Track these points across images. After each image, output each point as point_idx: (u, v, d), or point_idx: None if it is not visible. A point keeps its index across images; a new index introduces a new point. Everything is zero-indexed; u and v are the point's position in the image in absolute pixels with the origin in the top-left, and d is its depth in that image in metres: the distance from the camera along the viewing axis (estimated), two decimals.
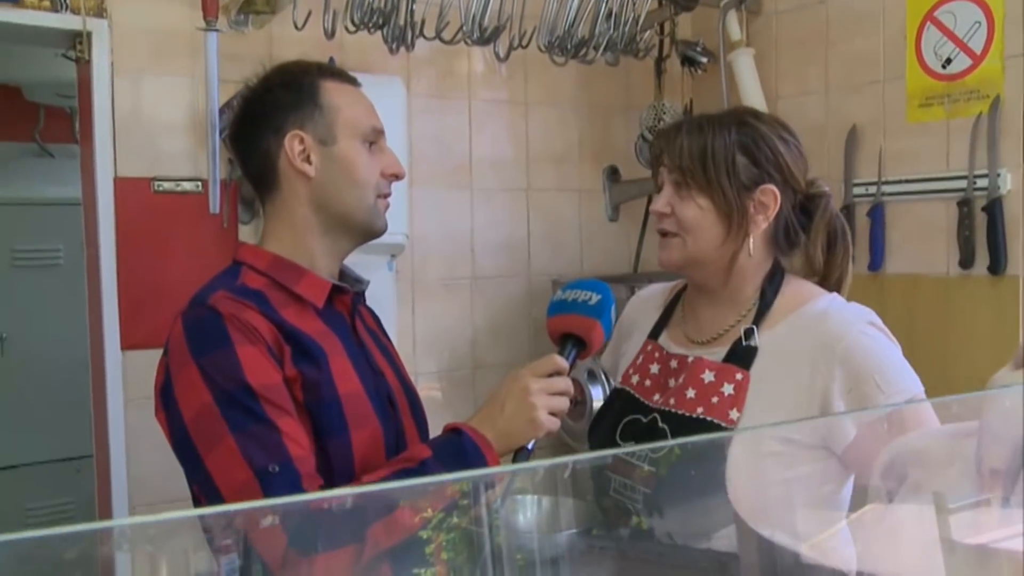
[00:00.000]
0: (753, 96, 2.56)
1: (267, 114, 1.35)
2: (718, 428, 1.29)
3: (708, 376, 1.33)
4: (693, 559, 1.28)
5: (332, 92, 1.36)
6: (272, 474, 1.16)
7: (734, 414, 1.28)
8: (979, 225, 2.16)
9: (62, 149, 3.76)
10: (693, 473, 1.27)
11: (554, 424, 1.23)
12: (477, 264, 2.66)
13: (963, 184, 2.19)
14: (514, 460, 1.23)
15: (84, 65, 2.20)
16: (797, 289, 1.38)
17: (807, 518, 1.28)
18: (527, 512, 1.50)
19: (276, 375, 1.23)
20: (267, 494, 1.15)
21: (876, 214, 2.39)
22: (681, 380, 1.37)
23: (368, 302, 1.53)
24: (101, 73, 2.16)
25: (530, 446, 1.23)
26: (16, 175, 3.75)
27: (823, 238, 1.39)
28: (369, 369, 1.37)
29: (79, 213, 2.37)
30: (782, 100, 2.65)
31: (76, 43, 2.18)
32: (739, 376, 1.31)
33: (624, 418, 1.41)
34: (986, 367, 2.27)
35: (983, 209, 2.15)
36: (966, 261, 2.19)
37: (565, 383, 1.24)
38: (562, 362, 1.25)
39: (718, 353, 1.35)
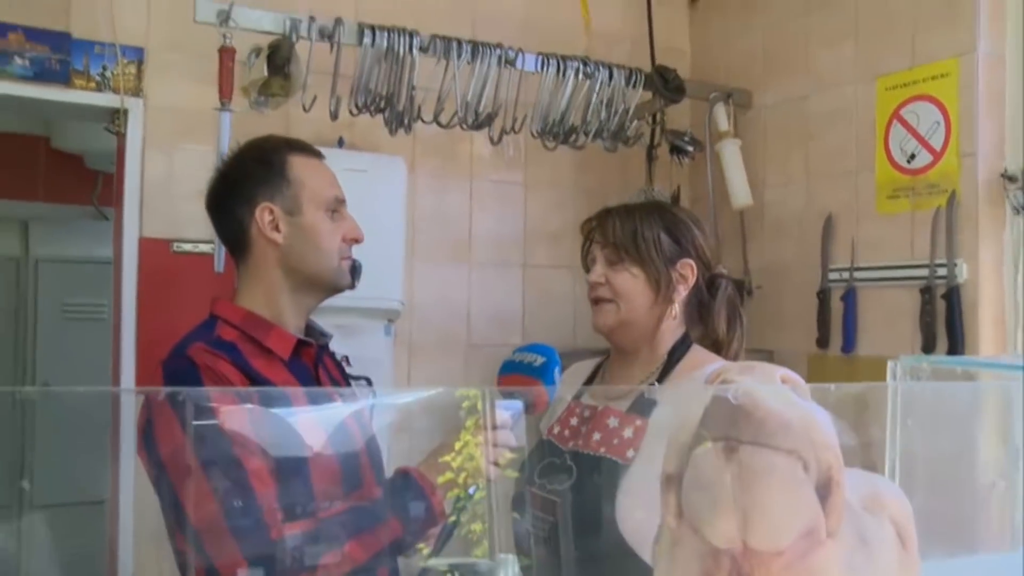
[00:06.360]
0: (738, 184, 2.71)
1: (240, 187, 1.52)
2: (615, 464, 1.47)
3: (612, 422, 1.53)
4: None
5: (298, 166, 1.52)
6: (237, 508, 1.32)
7: (630, 453, 1.47)
8: (939, 311, 2.26)
9: None
10: (590, 504, 1.45)
11: (494, 473, 1.37)
12: (472, 333, 2.83)
13: (925, 272, 2.29)
14: (455, 503, 1.36)
15: (121, 137, 2.47)
16: (698, 354, 1.60)
17: None
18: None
19: None
20: (230, 525, 1.31)
21: (849, 298, 2.49)
22: (589, 426, 1.56)
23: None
24: (134, 144, 2.42)
25: (471, 491, 1.36)
26: (74, 235, 4.12)
27: (725, 313, 1.62)
28: None
29: None
30: (768, 188, 2.79)
31: (115, 118, 2.45)
32: (639, 423, 1.49)
33: (543, 461, 1.59)
34: None
35: (943, 296, 2.25)
36: (928, 345, 2.28)
37: (506, 436, 1.37)
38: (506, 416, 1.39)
39: (624, 404, 1.55)
